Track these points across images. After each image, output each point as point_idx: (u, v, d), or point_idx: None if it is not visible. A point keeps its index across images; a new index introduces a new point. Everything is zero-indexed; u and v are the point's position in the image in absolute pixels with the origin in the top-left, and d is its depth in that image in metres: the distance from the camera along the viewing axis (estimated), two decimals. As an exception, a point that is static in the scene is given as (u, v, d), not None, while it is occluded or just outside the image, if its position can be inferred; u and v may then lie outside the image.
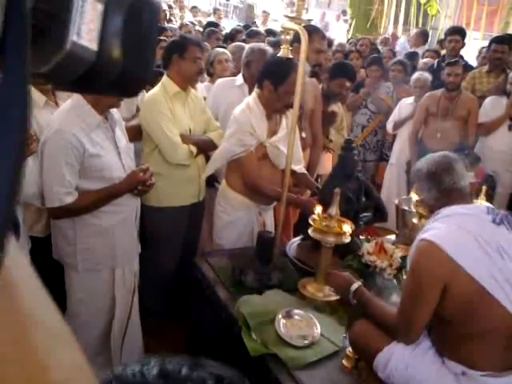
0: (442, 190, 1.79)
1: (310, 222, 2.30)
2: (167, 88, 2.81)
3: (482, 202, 2.87)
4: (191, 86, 2.96)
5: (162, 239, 2.94)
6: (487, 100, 4.31)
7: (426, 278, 1.64)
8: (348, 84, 3.57)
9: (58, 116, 2.19)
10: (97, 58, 0.43)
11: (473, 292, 1.60)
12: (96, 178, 2.21)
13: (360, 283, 1.94)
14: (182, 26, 6.46)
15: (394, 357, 1.74)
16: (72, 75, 0.44)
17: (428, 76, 4.64)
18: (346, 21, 10.73)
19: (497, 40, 4.76)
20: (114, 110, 2.32)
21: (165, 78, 2.85)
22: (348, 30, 9.61)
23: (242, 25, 6.90)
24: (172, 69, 2.84)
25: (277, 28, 5.90)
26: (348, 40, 7.94)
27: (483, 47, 5.78)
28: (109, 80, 0.47)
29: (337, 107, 3.70)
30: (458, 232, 1.68)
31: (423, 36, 7.36)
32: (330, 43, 6.00)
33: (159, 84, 2.85)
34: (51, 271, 2.35)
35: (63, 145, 2.11)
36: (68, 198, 2.15)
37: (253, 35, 4.75)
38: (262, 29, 6.29)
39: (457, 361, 1.66)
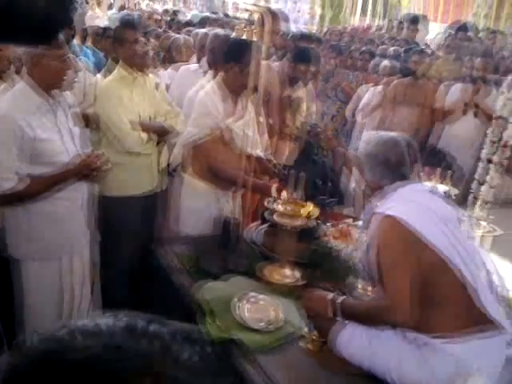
0: (396, 177, 1.82)
1: (266, 205, 2.28)
2: (121, 74, 2.75)
3: (436, 185, 2.88)
4: (141, 70, 2.84)
5: (121, 229, 2.87)
6: (453, 87, 4.36)
7: (400, 246, 1.68)
8: (312, 68, 3.53)
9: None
10: None
11: (435, 260, 1.67)
12: (44, 163, 2.13)
13: (341, 296, 1.84)
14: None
15: (356, 335, 1.75)
16: None
17: (395, 63, 4.67)
18: (311, 15, 10.74)
19: (462, 28, 4.82)
20: (57, 93, 2.24)
21: (114, 63, 2.81)
22: (312, 22, 9.67)
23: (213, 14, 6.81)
24: (119, 56, 2.78)
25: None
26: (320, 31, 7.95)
27: (438, 33, 5.85)
28: (18, 24, 0.42)
29: (302, 92, 3.67)
30: (413, 206, 1.75)
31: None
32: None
33: (114, 71, 2.79)
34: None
35: (6, 129, 2.04)
36: (6, 184, 2.06)
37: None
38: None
39: (417, 331, 1.66)
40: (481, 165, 2.57)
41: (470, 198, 2.62)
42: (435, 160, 3.88)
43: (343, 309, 1.77)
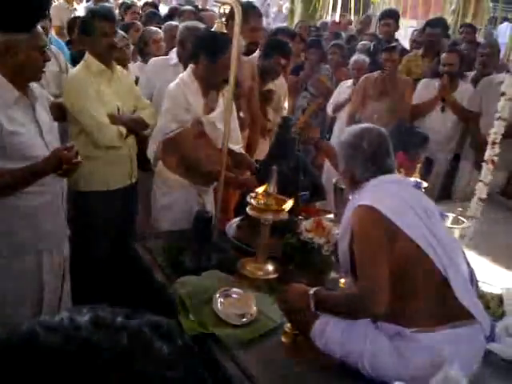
0: (378, 171, 1.82)
1: (248, 200, 2.27)
2: (90, 66, 2.67)
3: (416, 180, 2.95)
4: (106, 63, 2.74)
5: (95, 225, 2.82)
6: (420, 82, 4.41)
7: (374, 233, 1.69)
8: (283, 61, 3.52)
9: None
10: None
11: (410, 250, 1.69)
12: (16, 157, 2.06)
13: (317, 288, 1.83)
14: (122, 5, 6.22)
15: (330, 324, 1.75)
16: None
17: (366, 58, 4.70)
18: (286, 8, 10.76)
19: (430, 23, 4.88)
20: (34, 86, 2.19)
21: (87, 55, 2.70)
22: (286, 16, 9.66)
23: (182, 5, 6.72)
24: (88, 47, 2.71)
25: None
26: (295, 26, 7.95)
27: (415, 30, 5.92)
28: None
29: (273, 86, 3.66)
30: (390, 197, 1.76)
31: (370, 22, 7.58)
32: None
33: (82, 62, 2.71)
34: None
35: None
36: None
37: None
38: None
39: (391, 322, 1.68)
40: (485, 166, 2.61)
41: (475, 198, 2.67)
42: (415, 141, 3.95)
43: (316, 300, 1.76)
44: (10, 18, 0.45)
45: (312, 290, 1.79)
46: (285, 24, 8.82)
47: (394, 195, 1.77)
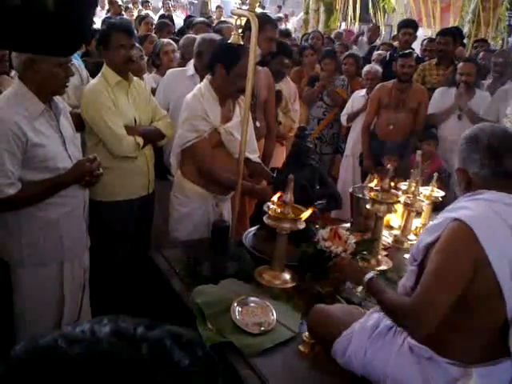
0: (496, 172, 1.55)
1: (265, 209, 2.28)
2: (108, 78, 2.71)
3: (433, 189, 2.93)
4: (126, 76, 2.78)
5: (112, 234, 2.85)
6: (437, 91, 4.41)
7: (457, 257, 1.48)
8: (286, 61, 3.75)
9: None
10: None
11: (487, 288, 1.48)
12: (40, 168, 2.12)
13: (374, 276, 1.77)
14: (138, 18, 6.35)
15: (353, 342, 1.71)
16: None
17: (378, 68, 4.71)
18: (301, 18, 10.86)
19: (441, 33, 4.91)
20: (58, 99, 2.24)
21: (105, 67, 2.74)
22: (301, 26, 9.72)
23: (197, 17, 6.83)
24: (105, 59, 2.75)
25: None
26: (303, 35, 8.01)
27: (424, 39, 5.94)
28: (37, 33, 0.42)
29: (280, 87, 3.73)
30: (493, 219, 1.50)
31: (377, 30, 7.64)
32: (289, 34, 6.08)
33: (99, 74, 2.75)
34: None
35: (4, 134, 2.02)
36: (10, 190, 2.05)
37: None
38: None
39: (428, 345, 1.57)
40: None
41: None
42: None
43: (371, 283, 1.74)
44: (52, 45, 0.47)
45: (369, 276, 1.75)
46: (298, 33, 8.89)
47: (500, 218, 1.50)
